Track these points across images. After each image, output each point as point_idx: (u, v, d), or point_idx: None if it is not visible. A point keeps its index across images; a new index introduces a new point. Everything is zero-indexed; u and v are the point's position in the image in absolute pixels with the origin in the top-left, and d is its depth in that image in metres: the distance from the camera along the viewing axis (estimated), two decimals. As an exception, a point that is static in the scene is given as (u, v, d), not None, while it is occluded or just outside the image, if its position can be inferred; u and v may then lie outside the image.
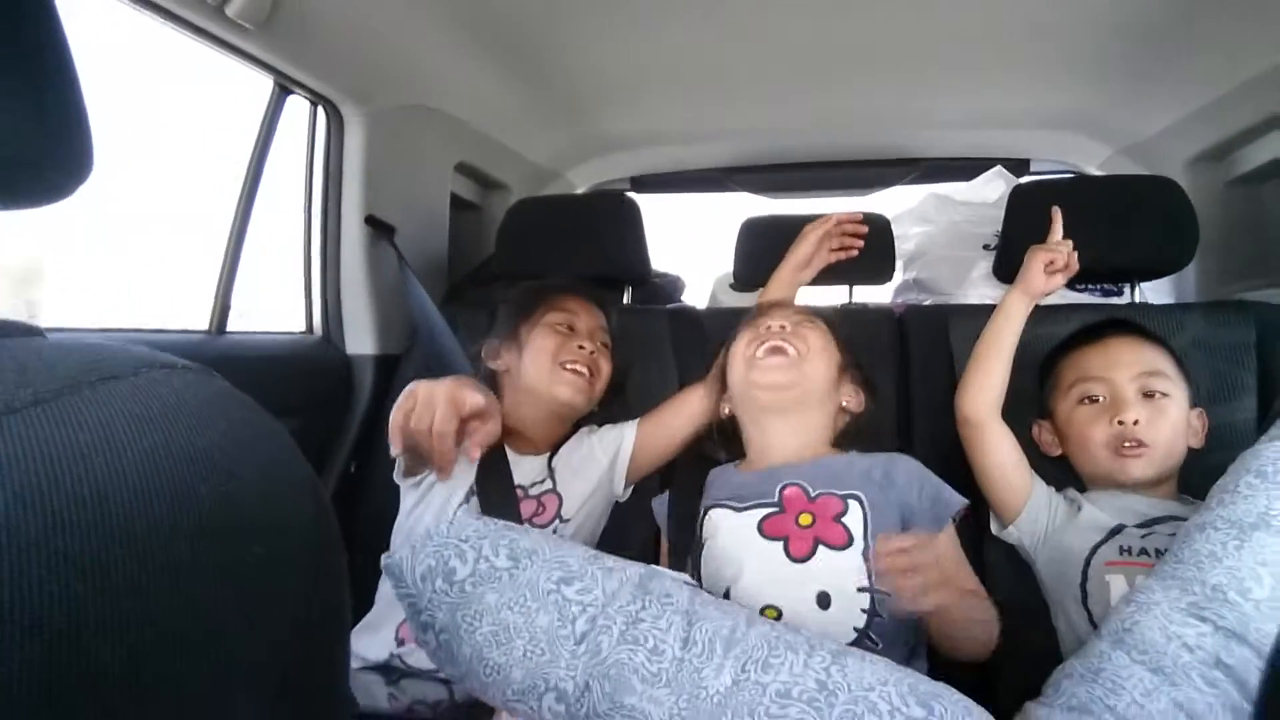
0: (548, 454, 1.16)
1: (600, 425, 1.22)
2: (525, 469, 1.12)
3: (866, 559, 0.91)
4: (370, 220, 1.41)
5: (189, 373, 0.31)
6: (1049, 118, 1.75)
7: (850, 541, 0.93)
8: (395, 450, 0.85)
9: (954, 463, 1.16)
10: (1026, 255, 1.07)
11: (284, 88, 1.26)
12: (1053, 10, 1.23)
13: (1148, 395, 1.00)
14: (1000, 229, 1.33)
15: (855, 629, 0.89)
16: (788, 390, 1.03)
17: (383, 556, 0.70)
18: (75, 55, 0.42)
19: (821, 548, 0.93)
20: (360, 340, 1.45)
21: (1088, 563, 0.96)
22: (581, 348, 1.15)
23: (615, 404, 1.24)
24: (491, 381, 1.19)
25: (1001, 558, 1.08)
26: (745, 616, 0.70)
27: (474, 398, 0.86)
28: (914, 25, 1.30)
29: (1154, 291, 1.67)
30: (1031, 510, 1.03)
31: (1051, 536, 1.02)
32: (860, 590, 0.90)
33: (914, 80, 1.55)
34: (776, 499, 0.98)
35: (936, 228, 1.90)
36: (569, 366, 1.14)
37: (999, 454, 1.04)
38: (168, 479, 0.25)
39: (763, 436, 1.07)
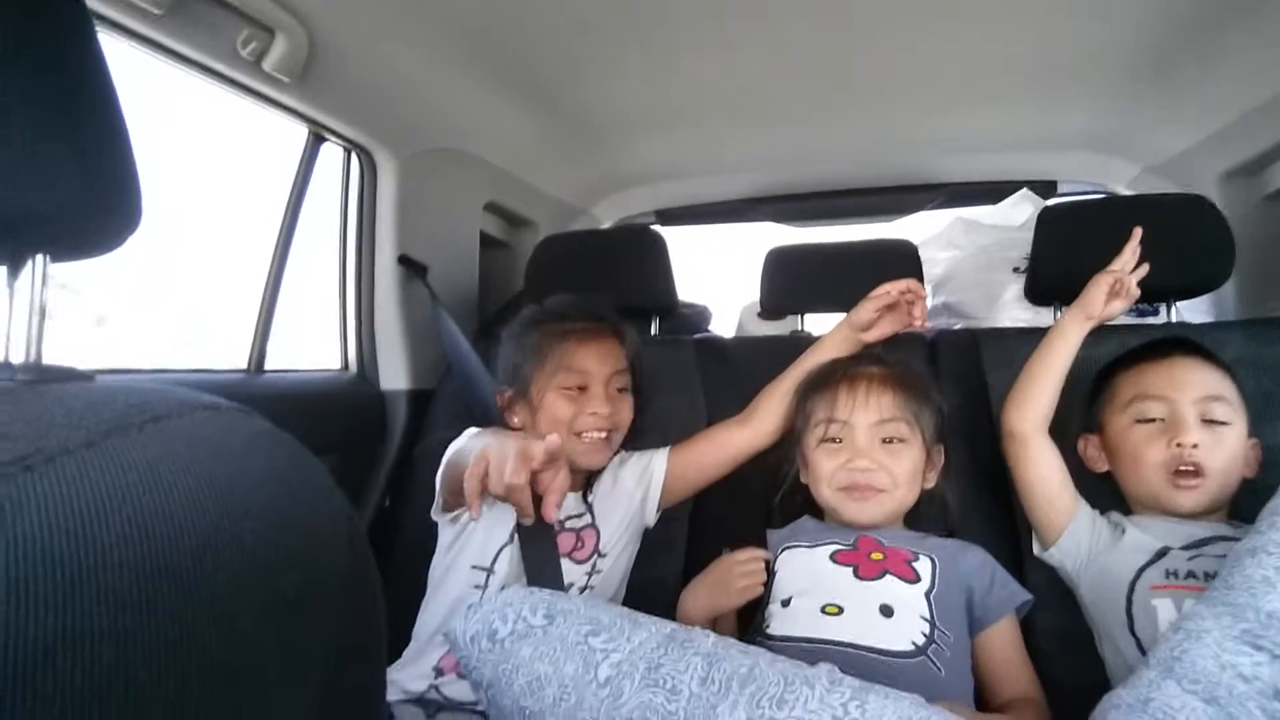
0: (582, 488, 1.15)
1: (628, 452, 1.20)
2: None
3: (930, 600, 0.93)
4: (403, 260, 1.44)
5: (232, 413, 0.32)
6: (1075, 138, 1.74)
7: (918, 579, 0.95)
8: (474, 515, 0.85)
9: (989, 488, 1.14)
10: (1091, 280, 1.06)
11: (319, 136, 1.31)
12: (1075, 30, 1.23)
13: (1208, 421, 0.96)
14: (1029, 252, 1.32)
15: (914, 643, 0.89)
16: (879, 520, 1.03)
17: (444, 630, 0.76)
18: (125, 110, 0.44)
19: (889, 575, 0.95)
20: (394, 376, 1.47)
21: (1132, 587, 0.93)
22: (595, 414, 1.10)
23: (644, 435, 1.22)
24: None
25: (1043, 583, 1.05)
26: (767, 657, 0.70)
27: (541, 449, 0.83)
28: (936, 51, 1.30)
29: (1191, 310, 1.64)
30: (1074, 531, 1.00)
31: (1095, 560, 0.99)
32: (922, 619, 0.92)
33: (937, 105, 1.56)
34: (852, 542, 1.00)
35: (965, 252, 1.89)
36: (586, 437, 1.10)
37: (1043, 468, 1.02)
38: (211, 515, 0.27)
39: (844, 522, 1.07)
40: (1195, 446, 0.94)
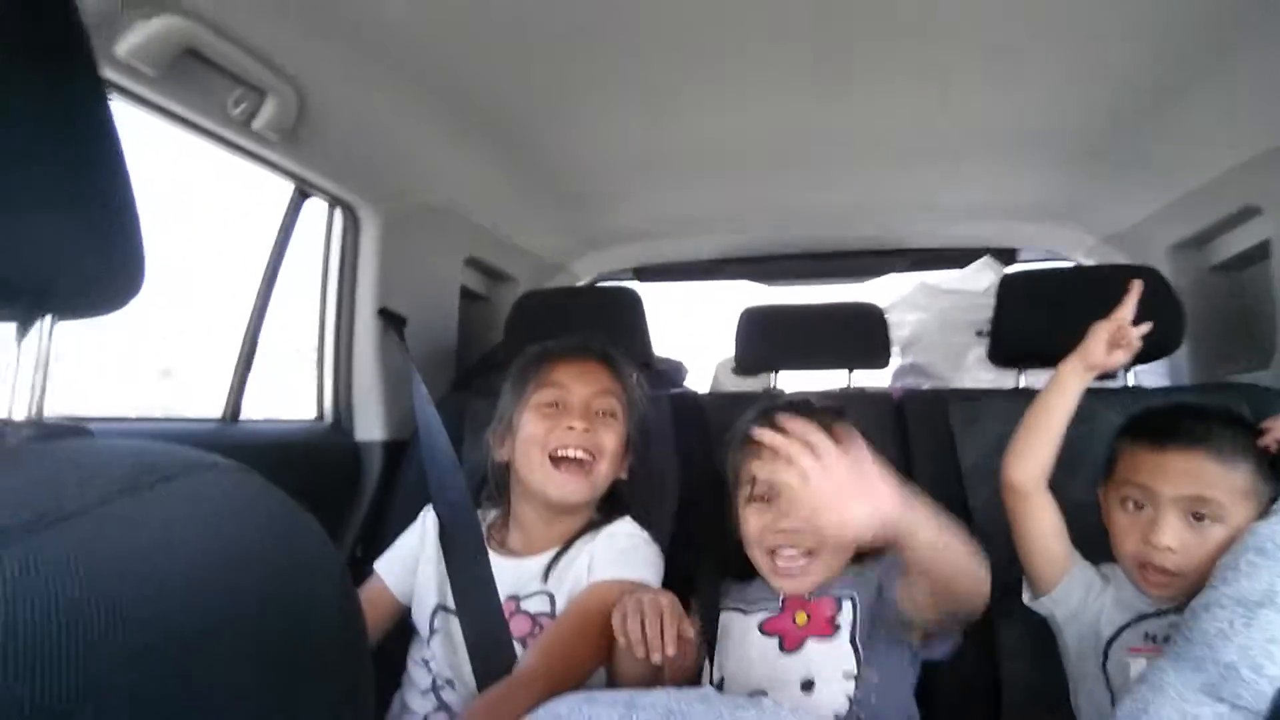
0: (548, 558, 1.03)
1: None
2: (521, 574, 1.02)
3: (855, 645, 0.96)
4: (383, 313, 1.46)
5: (233, 472, 0.33)
6: (1034, 208, 1.82)
7: (837, 631, 0.97)
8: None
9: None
10: (1090, 329, 1.00)
11: (304, 192, 1.33)
12: (1036, 106, 1.29)
13: (1197, 517, 0.89)
14: (991, 316, 1.37)
15: (837, 715, 0.92)
16: (812, 588, 1.00)
17: None
18: (131, 173, 0.46)
19: (810, 640, 0.97)
20: (369, 427, 1.47)
21: (1110, 644, 0.94)
22: (572, 428, 1.01)
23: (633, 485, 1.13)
24: (503, 474, 1.11)
25: (1016, 637, 1.07)
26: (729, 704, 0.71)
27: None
28: (905, 121, 1.36)
29: (1150, 374, 1.70)
30: (1068, 584, 0.99)
31: (1082, 614, 0.99)
32: (846, 675, 0.94)
33: (905, 173, 1.62)
34: (779, 602, 1.02)
35: (930, 315, 1.95)
36: (559, 455, 1.01)
37: (1042, 523, 0.99)
38: (218, 574, 0.28)
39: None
40: (1170, 549, 0.88)
